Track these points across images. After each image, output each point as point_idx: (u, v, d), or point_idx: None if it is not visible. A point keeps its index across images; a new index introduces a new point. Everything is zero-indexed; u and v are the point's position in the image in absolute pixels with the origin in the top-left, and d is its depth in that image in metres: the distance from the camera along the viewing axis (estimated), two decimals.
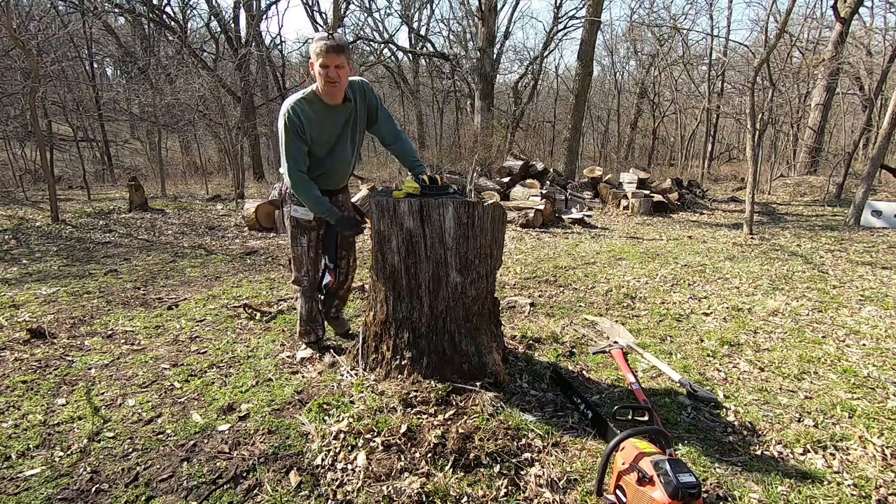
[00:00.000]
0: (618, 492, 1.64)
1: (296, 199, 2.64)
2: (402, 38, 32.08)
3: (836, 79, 13.95)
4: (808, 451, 2.07)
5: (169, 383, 2.62)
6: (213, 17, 15.04)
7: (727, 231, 7.96)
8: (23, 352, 3.01)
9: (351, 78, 2.41)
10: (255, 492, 1.80)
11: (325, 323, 3.09)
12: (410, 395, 2.24)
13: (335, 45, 2.23)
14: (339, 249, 2.87)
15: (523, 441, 2.04)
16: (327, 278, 2.93)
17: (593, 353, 3.02)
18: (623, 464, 1.64)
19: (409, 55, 19.63)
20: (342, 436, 2.02)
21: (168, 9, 16.07)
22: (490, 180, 10.15)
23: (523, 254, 6.08)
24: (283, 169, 2.52)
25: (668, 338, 3.33)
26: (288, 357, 2.92)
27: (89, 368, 2.81)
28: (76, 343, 3.17)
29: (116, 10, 15.00)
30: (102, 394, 2.51)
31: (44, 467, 1.94)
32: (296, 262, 2.78)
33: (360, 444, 1.97)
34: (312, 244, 2.74)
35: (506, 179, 10.05)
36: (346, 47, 2.28)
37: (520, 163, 10.46)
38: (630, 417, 1.98)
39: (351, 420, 2.10)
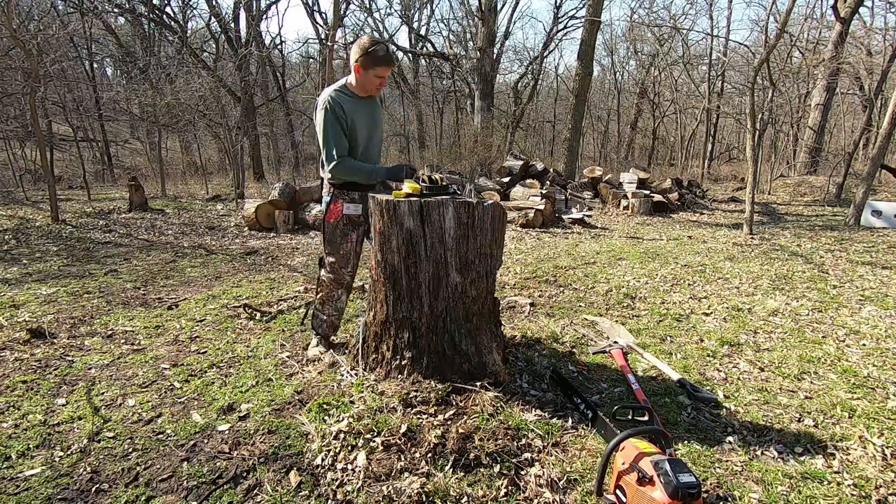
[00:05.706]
0: (618, 492, 1.64)
1: (346, 195, 2.69)
2: (402, 38, 32.07)
3: (836, 79, 13.94)
4: (808, 451, 2.07)
5: (169, 383, 2.62)
6: (213, 17, 15.03)
7: (727, 231, 7.96)
8: (23, 352, 3.01)
9: None
10: (255, 492, 1.80)
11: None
12: (410, 395, 2.23)
13: (392, 60, 2.54)
14: None
15: (523, 441, 2.04)
16: None
17: (593, 353, 3.02)
18: (623, 464, 1.64)
19: (410, 55, 19.63)
20: (342, 436, 2.02)
21: (168, 9, 16.10)
22: (490, 180, 10.15)
23: (523, 254, 6.08)
24: (326, 162, 2.59)
25: (668, 338, 3.33)
26: (288, 357, 2.92)
27: (89, 368, 2.81)
28: (76, 343, 3.17)
29: (116, 10, 14.99)
30: (102, 394, 2.51)
31: (44, 467, 1.94)
32: (342, 260, 2.78)
33: (360, 444, 1.97)
34: (359, 239, 2.80)
35: (506, 179, 10.05)
36: None
37: (520, 163, 10.46)
38: (630, 417, 1.98)
39: (351, 420, 2.10)
